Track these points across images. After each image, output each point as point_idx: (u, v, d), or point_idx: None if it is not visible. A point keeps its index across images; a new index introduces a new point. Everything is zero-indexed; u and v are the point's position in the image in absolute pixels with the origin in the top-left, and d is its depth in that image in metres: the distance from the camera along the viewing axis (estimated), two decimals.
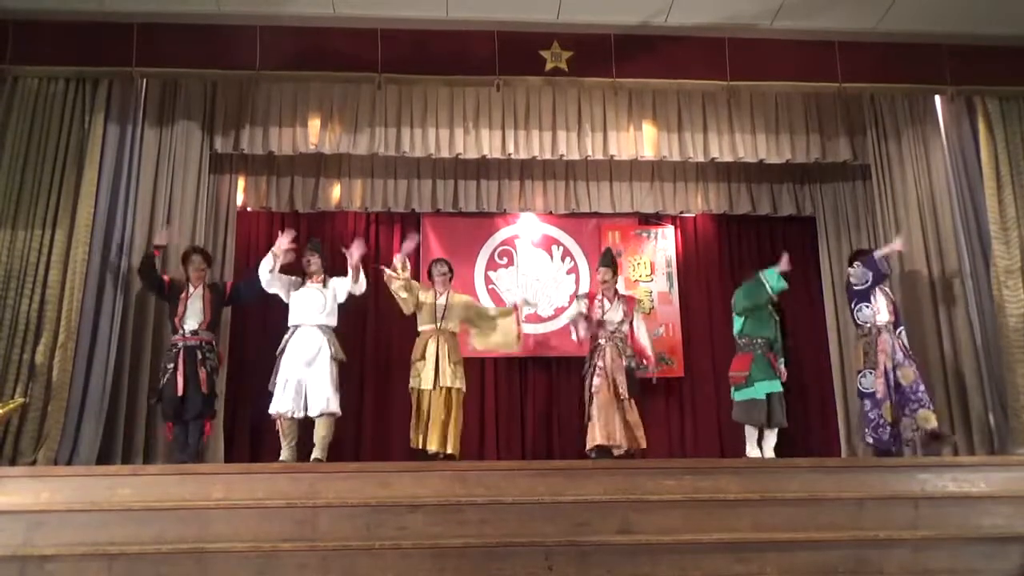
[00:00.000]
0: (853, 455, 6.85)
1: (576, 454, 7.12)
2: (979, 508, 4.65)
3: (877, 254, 6.08)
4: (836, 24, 6.35)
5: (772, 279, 6.08)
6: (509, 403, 7.34)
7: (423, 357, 6.02)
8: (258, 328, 7.06)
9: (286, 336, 5.79)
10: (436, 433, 5.84)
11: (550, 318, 7.51)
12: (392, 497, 4.50)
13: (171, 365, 5.63)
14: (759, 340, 6.09)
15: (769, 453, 5.98)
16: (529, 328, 7.45)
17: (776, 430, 6.02)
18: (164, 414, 5.67)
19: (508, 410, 7.33)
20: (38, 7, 5.97)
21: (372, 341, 7.27)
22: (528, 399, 7.42)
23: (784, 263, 6.10)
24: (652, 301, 7.62)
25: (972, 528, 4.53)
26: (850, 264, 6.28)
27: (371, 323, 7.31)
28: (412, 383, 6.03)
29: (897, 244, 6.22)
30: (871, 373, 5.94)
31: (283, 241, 5.76)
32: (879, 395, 5.84)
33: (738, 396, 6.06)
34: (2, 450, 5.34)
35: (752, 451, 5.98)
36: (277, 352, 5.76)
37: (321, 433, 5.60)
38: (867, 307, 6.03)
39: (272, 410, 5.63)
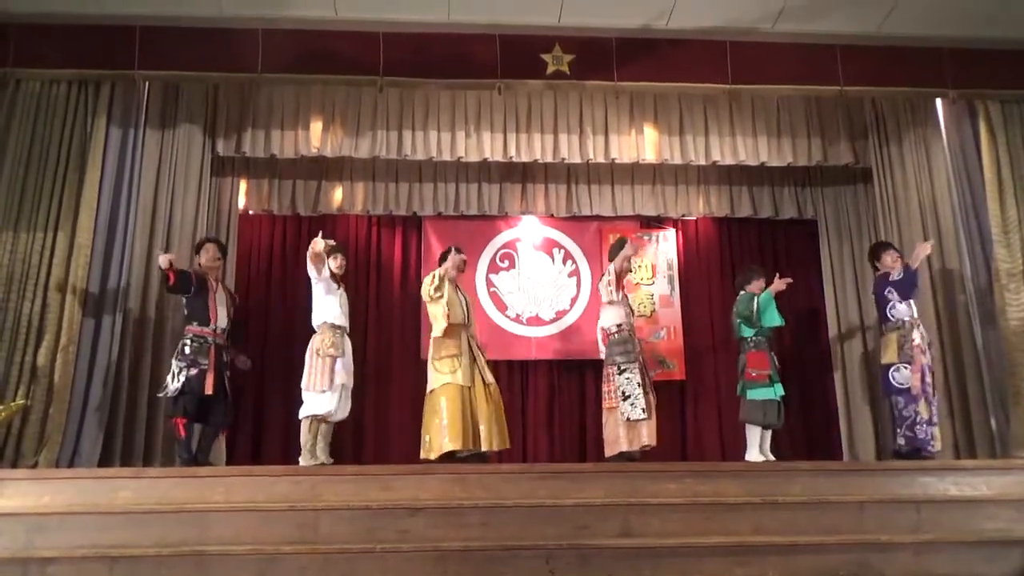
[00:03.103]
0: (855, 458, 6.85)
1: (577, 457, 7.15)
2: (981, 512, 4.64)
3: (913, 264, 6.00)
4: (837, 28, 6.35)
5: (767, 317, 6.00)
6: (510, 406, 7.28)
7: (460, 352, 5.66)
8: (259, 331, 7.09)
9: (336, 338, 5.60)
10: (490, 430, 5.57)
11: (551, 321, 7.51)
12: (393, 500, 4.50)
13: (205, 361, 5.43)
14: (765, 338, 6.09)
15: (769, 454, 5.96)
16: (532, 331, 7.47)
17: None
18: (181, 410, 5.40)
19: (509, 412, 7.25)
20: (40, 10, 5.98)
21: (373, 345, 7.27)
22: (529, 402, 7.42)
23: (779, 284, 6.08)
24: (653, 304, 7.62)
25: (974, 532, 4.52)
26: (876, 258, 6.23)
27: (372, 327, 7.32)
28: (448, 379, 5.59)
29: (927, 247, 6.09)
30: (906, 368, 5.79)
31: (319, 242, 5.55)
32: (914, 391, 5.73)
33: (754, 395, 5.92)
34: (3, 453, 5.35)
35: (754, 456, 5.90)
36: (333, 353, 5.53)
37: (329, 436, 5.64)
38: (900, 303, 5.95)
39: (323, 411, 5.48)
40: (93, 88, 6.11)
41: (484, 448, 5.55)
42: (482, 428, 5.56)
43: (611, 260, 6.24)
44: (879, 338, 6.27)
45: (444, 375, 5.63)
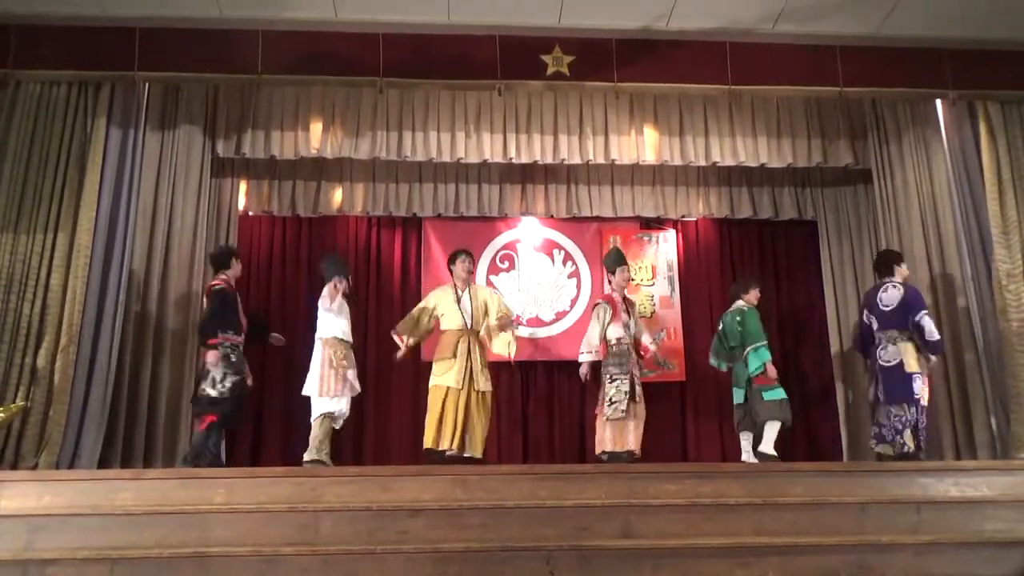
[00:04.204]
0: (855, 459, 6.85)
1: (577, 458, 7.15)
2: (981, 512, 4.65)
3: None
4: (837, 28, 6.35)
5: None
6: (510, 407, 7.34)
7: (453, 356, 5.93)
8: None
9: (347, 350, 5.80)
10: (461, 434, 5.82)
11: (552, 322, 7.51)
12: (394, 501, 4.50)
13: (245, 368, 5.65)
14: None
15: (752, 457, 5.97)
16: (531, 332, 7.47)
17: None
18: (223, 415, 5.53)
19: (509, 414, 7.33)
20: (40, 11, 5.97)
21: (373, 346, 7.26)
22: (529, 403, 7.42)
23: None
24: (653, 305, 7.62)
25: (974, 532, 4.53)
26: (889, 270, 6.13)
27: (372, 328, 7.32)
28: (437, 380, 5.94)
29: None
30: (920, 378, 5.80)
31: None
32: (923, 402, 5.75)
33: (770, 396, 5.96)
34: (3, 454, 5.34)
35: (770, 450, 5.87)
36: (347, 366, 5.73)
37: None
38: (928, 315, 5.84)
39: (333, 409, 5.65)
40: (93, 89, 6.09)
41: (468, 453, 5.85)
42: (469, 432, 5.87)
43: (607, 269, 6.44)
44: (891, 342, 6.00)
45: (436, 376, 5.96)
